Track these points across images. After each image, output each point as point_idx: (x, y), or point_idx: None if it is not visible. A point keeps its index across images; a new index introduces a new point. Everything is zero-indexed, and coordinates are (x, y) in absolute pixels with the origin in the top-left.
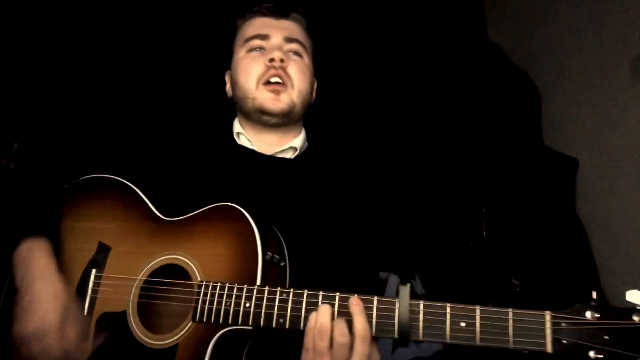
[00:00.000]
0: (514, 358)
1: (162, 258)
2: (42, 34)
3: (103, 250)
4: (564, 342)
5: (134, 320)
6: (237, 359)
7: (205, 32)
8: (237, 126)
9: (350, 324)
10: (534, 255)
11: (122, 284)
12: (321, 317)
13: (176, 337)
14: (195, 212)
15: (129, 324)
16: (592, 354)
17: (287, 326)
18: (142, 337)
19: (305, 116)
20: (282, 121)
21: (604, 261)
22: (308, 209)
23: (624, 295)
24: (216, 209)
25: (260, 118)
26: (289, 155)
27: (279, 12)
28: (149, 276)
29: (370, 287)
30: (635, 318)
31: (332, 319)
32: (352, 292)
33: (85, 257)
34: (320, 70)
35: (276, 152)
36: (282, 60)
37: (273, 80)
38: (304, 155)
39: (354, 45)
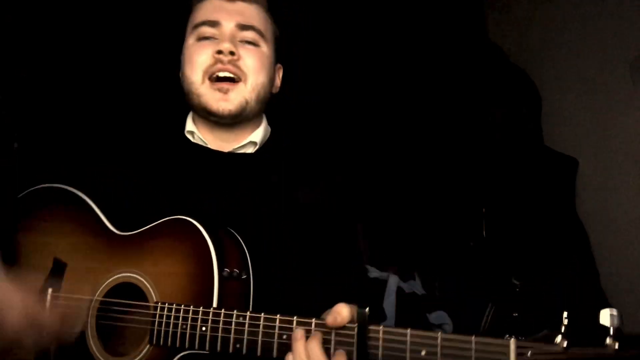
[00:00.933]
0: None
1: (118, 276)
2: (39, 33)
3: (59, 268)
4: None
5: (93, 342)
6: None
7: (154, 22)
8: (189, 124)
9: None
10: (534, 255)
11: (80, 305)
12: (314, 355)
13: None
14: (149, 226)
15: (89, 345)
16: None
17: (244, 352)
18: (102, 359)
19: (268, 106)
20: (234, 121)
21: (604, 261)
22: (274, 208)
23: (623, 295)
24: (170, 222)
25: (208, 117)
26: (250, 150)
27: None
28: (106, 295)
29: (347, 291)
30: (608, 342)
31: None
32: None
33: (41, 275)
34: (321, 65)
35: (235, 149)
36: (232, 53)
37: (222, 75)
38: (265, 148)
39: (354, 44)
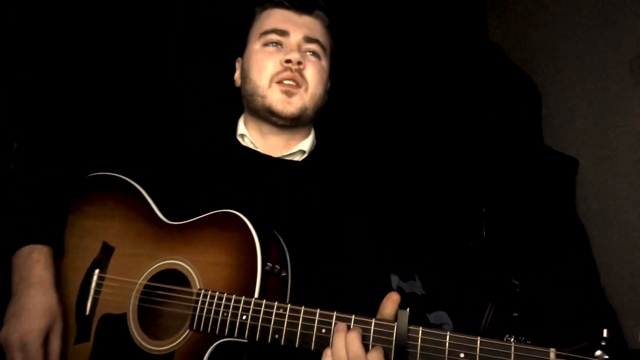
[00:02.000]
0: None
1: (163, 262)
2: (39, 33)
3: (107, 251)
4: None
5: (133, 324)
6: None
7: (209, 26)
8: (241, 127)
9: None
10: (534, 255)
11: (124, 287)
12: (353, 347)
13: (173, 344)
14: (198, 217)
15: (129, 327)
16: None
17: (282, 342)
18: (141, 341)
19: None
20: (291, 124)
21: (604, 261)
22: (318, 215)
23: (623, 296)
24: (219, 215)
25: (269, 118)
26: (298, 158)
27: (302, 6)
28: (150, 280)
29: (380, 293)
30: None
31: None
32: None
33: (89, 256)
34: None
35: (284, 155)
36: (299, 63)
37: (287, 82)
38: (312, 158)
39: (353, 44)
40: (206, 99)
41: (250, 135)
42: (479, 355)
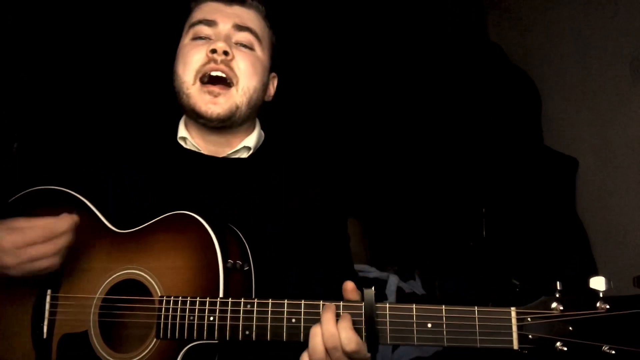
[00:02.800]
0: (511, 358)
1: (120, 273)
2: (39, 33)
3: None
4: (530, 337)
5: (96, 340)
6: None
7: (150, 21)
8: (182, 130)
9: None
10: (534, 255)
11: (81, 304)
12: (328, 325)
13: (141, 356)
14: (149, 223)
15: (92, 344)
16: (558, 345)
17: (253, 338)
18: (106, 356)
19: (264, 110)
20: (223, 125)
21: (604, 260)
22: (267, 211)
23: (623, 294)
24: (171, 217)
25: (197, 120)
26: (244, 155)
27: None
28: (107, 293)
29: (334, 289)
30: (599, 305)
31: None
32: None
33: (38, 278)
34: (316, 65)
35: (229, 154)
36: (226, 53)
37: (214, 74)
38: (260, 153)
39: (354, 43)
40: (145, 103)
41: (192, 137)
42: (445, 323)
